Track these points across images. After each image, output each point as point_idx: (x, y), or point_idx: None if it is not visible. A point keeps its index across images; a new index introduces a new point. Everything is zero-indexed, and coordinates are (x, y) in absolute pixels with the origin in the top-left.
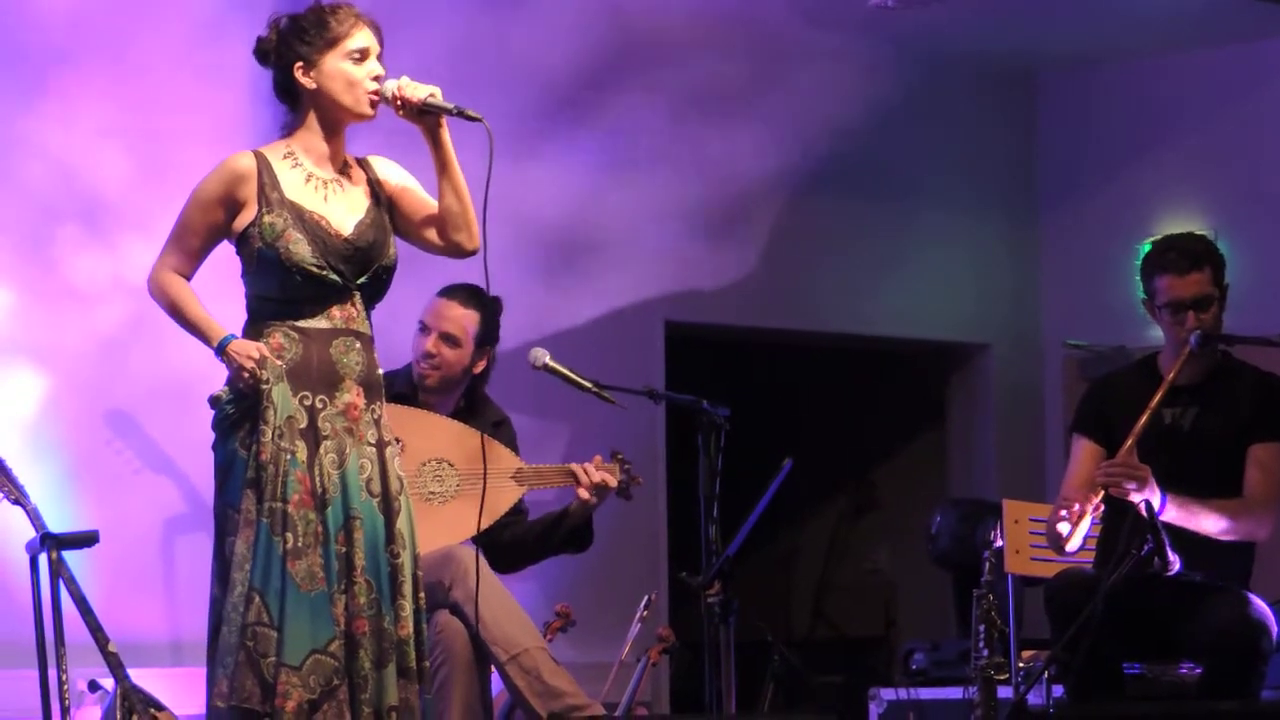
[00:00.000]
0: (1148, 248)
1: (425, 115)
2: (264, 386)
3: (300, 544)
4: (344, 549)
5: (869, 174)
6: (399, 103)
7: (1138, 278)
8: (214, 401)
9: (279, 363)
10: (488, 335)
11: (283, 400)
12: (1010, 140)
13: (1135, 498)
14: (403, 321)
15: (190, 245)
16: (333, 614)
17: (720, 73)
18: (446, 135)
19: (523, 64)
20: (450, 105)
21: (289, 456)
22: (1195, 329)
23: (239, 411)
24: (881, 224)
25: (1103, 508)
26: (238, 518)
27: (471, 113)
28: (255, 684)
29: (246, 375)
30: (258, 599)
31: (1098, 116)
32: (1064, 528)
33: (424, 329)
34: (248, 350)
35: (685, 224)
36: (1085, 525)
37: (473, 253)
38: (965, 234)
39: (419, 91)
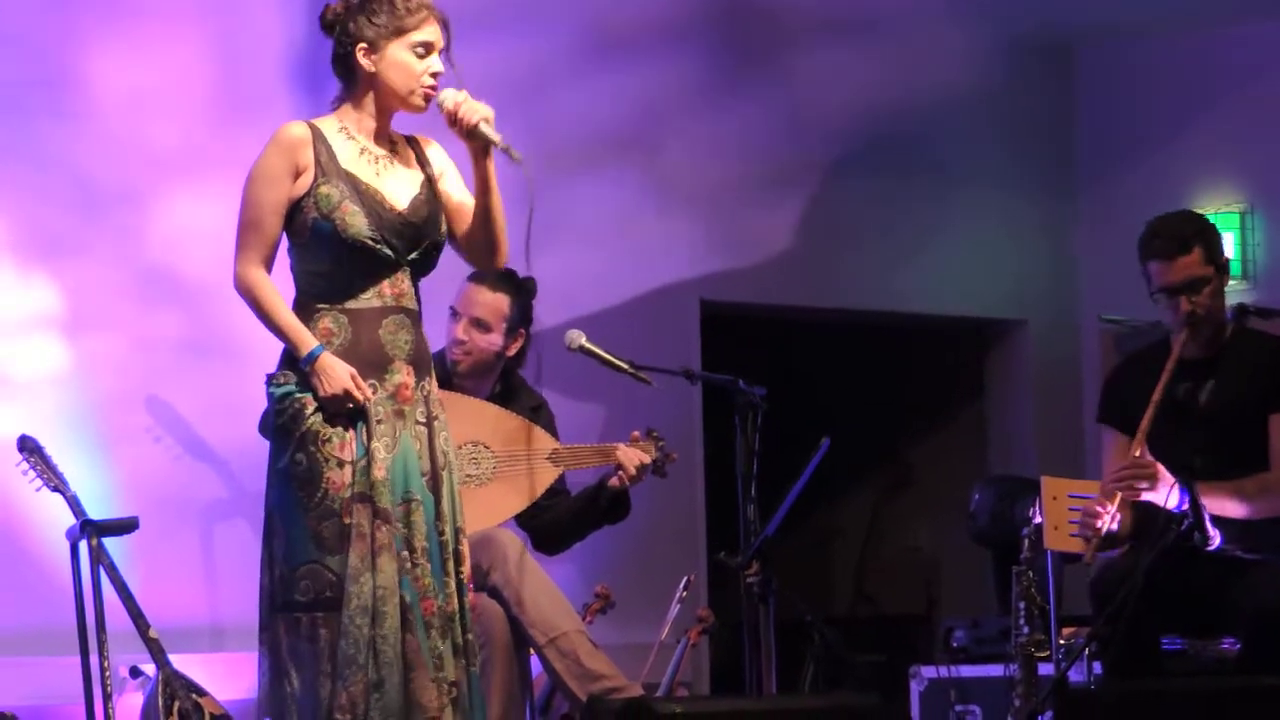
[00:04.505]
0: (1144, 231)
1: (474, 137)
2: (368, 405)
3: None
4: (405, 531)
5: (905, 150)
6: (452, 118)
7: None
8: (272, 383)
9: (369, 394)
10: (521, 318)
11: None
12: (1048, 115)
13: (1148, 497)
14: (434, 304)
15: (268, 230)
16: None
17: (752, 48)
18: (491, 161)
19: (553, 37)
20: (498, 139)
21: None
22: (1190, 312)
23: (304, 411)
24: (918, 200)
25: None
26: (321, 525)
27: (516, 154)
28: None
29: (343, 395)
30: (409, 617)
31: (1135, 90)
32: (1087, 541)
33: (454, 315)
34: (340, 376)
35: (720, 203)
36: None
37: (499, 268)
38: (1003, 210)
39: (473, 113)
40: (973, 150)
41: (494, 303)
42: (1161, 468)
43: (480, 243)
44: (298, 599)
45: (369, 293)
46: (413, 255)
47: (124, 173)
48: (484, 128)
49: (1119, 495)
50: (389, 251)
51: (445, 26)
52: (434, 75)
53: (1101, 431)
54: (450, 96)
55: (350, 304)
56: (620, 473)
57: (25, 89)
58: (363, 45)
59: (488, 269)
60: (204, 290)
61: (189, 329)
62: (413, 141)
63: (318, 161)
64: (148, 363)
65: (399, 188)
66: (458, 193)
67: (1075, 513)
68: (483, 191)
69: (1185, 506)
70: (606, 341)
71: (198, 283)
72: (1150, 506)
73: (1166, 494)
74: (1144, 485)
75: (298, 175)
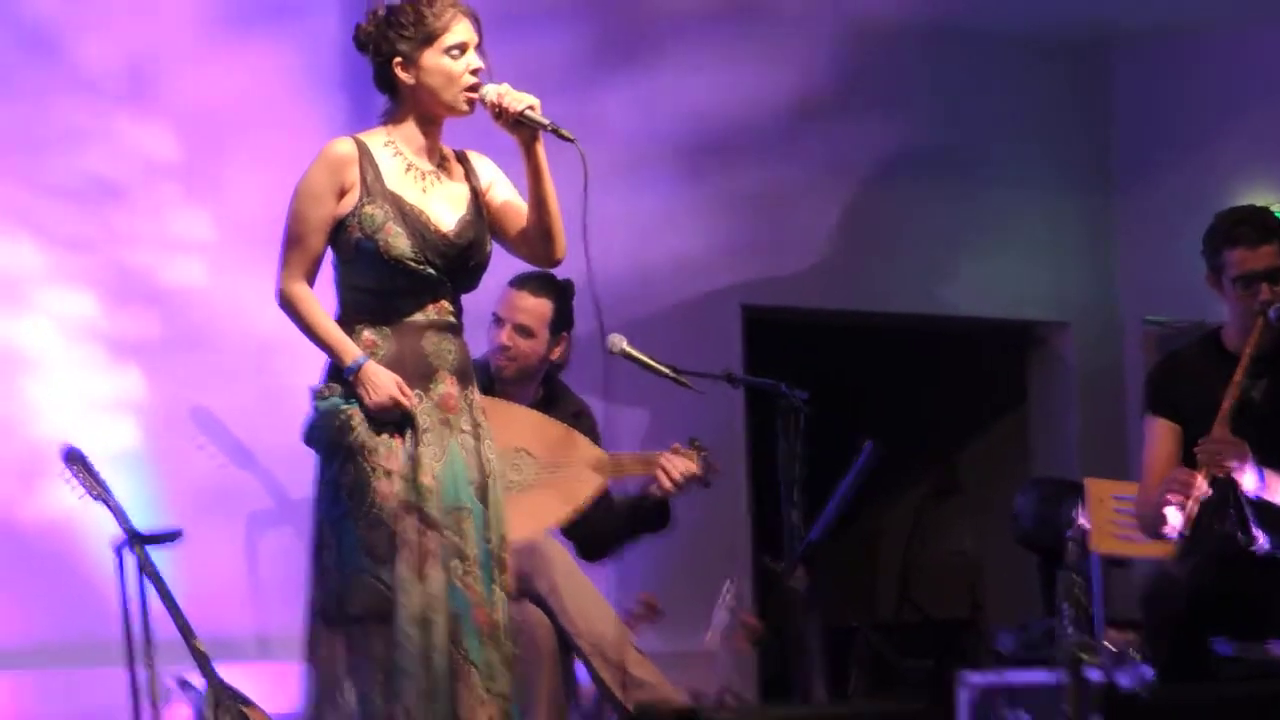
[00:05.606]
0: (1215, 221)
1: (521, 127)
2: (414, 413)
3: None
4: (457, 540)
5: (944, 154)
6: (497, 110)
7: (1201, 251)
8: (318, 396)
9: (414, 402)
10: (562, 322)
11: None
12: (1086, 116)
13: (1238, 476)
14: (476, 311)
15: (312, 245)
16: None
17: (791, 59)
18: (541, 148)
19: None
20: (546, 121)
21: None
22: (1269, 301)
23: (351, 423)
24: (958, 204)
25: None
26: (367, 534)
27: (565, 132)
28: (450, 709)
29: (389, 403)
30: (457, 628)
31: (1175, 90)
32: (1172, 513)
33: (498, 321)
34: (386, 384)
35: (761, 208)
36: (1193, 507)
37: (558, 262)
38: (1042, 212)
39: (517, 102)
40: (1012, 153)
41: (537, 308)
42: (1248, 449)
43: (537, 235)
44: (351, 611)
45: (412, 309)
46: (457, 275)
47: (160, 177)
48: (530, 114)
49: (1205, 470)
50: (432, 272)
51: (475, 21)
52: (474, 72)
53: (1148, 422)
54: (492, 90)
55: (394, 319)
56: (661, 482)
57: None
58: (398, 59)
59: (547, 263)
60: (248, 300)
61: (232, 338)
62: (462, 157)
63: (363, 180)
64: (191, 372)
65: (445, 207)
66: (509, 193)
67: (1120, 515)
68: (535, 180)
69: (1265, 491)
70: (648, 346)
71: (242, 292)
72: (1200, 509)
73: (1252, 475)
74: (1234, 462)
75: (343, 194)
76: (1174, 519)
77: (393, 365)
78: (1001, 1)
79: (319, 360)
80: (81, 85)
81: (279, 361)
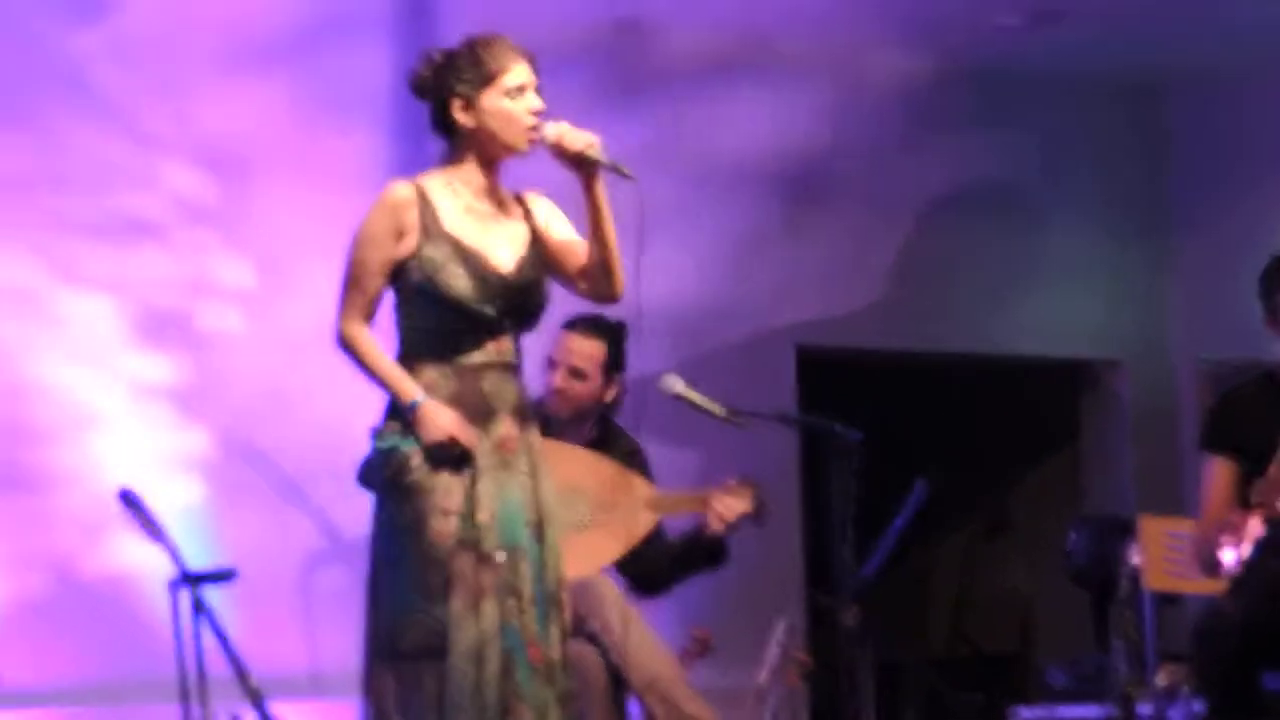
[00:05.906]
0: (1271, 263)
1: (580, 164)
2: (473, 451)
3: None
4: (511, 578)
5: (998, 193)
6: (557, 149)
7: (1258, 292)
8: (378, 436)
9: (474, 440)
10: (615, 363)
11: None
12: (1142, 155)
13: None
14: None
15: (371, 288)
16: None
17: (846, 98)
18: (600, 186)
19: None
20: (606, 159)
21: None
22: None
23: (409, 463)
24: (1012, 243)
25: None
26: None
27: (626, 170)
28: None
29: (448, 440)
30: (510, 663)
31: (1231, 130)
32: (1228, 555)
33: (551, 364)
34: (444, 422)
35: (814, 247)
36: (1246, 548)
37: (618, 298)
38: (1096, 251)
39: (577, 141)
40: (1066, 192)
41: (590, 350)
42: None
43: (598, 272)
44: (404, 649)
45: (472, 350)
46: (516, 315)
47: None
48: (590, 152)
49: (1260, 510)
50: (492, 312)
51: (531, 61)
52: (534, 113)
53: (1205, 460)
54: (552, 129)
55: (454, 359)
56: (714, 519)
57: None
58: (458, 102)
59: (608, 299)
60: (301, 340)
61: (285, 378)
62: (520, 197)
63: (422, 223)
64: (245, 411)
65: (504, 247)
66: (568, 231)
67: (1174, 552)
68: (595, 217)
69: None
70: (701, 386)
71: (294, 332)
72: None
73: None
74: None
75: (402, 236)
76: (1229, 561)
77: (452, 404)
78: (1059, 42)
79: (374, 396)
80: (121, 125)
81: (330, 401)
